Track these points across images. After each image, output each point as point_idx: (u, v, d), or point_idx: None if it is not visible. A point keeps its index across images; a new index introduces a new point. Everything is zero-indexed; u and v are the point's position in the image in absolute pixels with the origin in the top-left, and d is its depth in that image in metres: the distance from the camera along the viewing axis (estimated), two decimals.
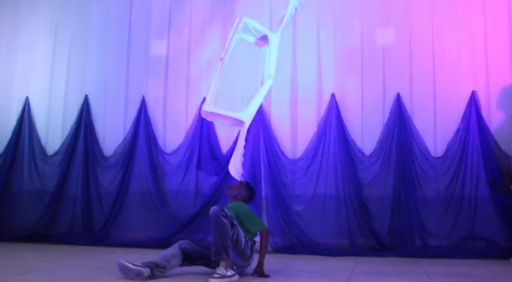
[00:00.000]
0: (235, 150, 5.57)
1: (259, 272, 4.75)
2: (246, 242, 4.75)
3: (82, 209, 7.72)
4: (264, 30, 5.99)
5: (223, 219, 4.49)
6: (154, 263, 4.57)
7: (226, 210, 4.56)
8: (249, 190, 5.33)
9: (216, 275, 4.37)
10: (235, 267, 4.54)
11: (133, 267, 4.44)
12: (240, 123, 5.50)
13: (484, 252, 6.42)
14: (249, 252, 4.79)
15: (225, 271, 4.40)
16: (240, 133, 5.58)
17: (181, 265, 4.81)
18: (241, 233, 4.69)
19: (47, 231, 7.74)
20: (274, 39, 5.96)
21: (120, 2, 8.18)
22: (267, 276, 4.73)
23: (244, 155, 5.76)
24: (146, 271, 4.43)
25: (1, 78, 8.55)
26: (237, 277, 4.48)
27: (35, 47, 8.46)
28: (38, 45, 8.45)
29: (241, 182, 5.41)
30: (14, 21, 8.59)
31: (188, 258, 4.83)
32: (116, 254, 6.55)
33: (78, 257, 6.29)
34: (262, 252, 4.83)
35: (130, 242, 7.27)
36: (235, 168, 5.46)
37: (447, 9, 7.14)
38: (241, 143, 5.54)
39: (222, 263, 4.45)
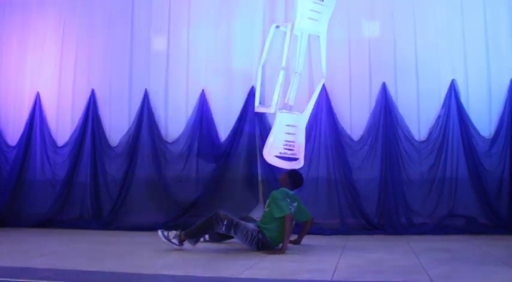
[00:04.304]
0: (268, 139, 5.88)
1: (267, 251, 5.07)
2: (252, 236, 5.12)
3: (91, 195, 7.74)
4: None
5: (213, 221, 5.14)
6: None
7: (225, 216, 5.13)
8: (290, 178, 5.58)
9: (165, 234, 5.27)
10: (183, 242, 5.25)
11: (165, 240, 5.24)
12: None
13: (464, 228, 6.47)
14: (254, 245, 5.15)
15: (171, 237, 5.24)
16: (275, 123, 5.88)
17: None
18: (244, 230, 5.13)
19: (59, 217, 7.75)
20: (289, 28, 5.96)
21: (122, 0, 8.11)
22: (269, 252, 5.02)
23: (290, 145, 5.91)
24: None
25: (13, 75, 8.47)
26: (176, 247, 5.22)
27: (44, 45, 8.38)
28: (46, 43, 8.38)
29: (286, 171, 5.69)
30: (23, 21, 8.49)
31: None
32: (122, 237, 6.58)
33: (89, 240, 6.32)
34: (283, 238, 5.08)
35: (136, 225, 7.30)
36: (267, 156, 5.79)
37: (427, 4, 7.10)
38: (273, 132, 5.84)
39: (180, 234, 5.25)
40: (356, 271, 4.08)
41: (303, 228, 5.72)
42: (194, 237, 5.26)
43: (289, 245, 5.28)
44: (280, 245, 5.16)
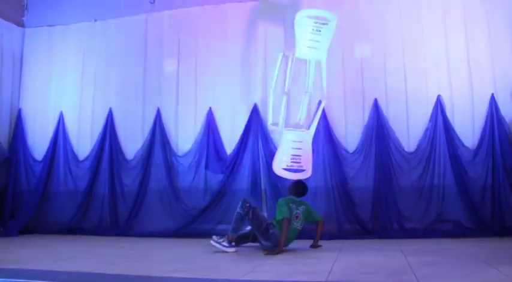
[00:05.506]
0: (276, 154, 6.04)
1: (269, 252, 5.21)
2: (267, 224, 5.39)
3: (109, 205, 7.76)
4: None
5: (239, 209, 5.45)
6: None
7: (246, 203, 5.44)
8: (295, 187, 5.81)
9: (215, 239, 5.46)
10: (233, 243, 5.46)
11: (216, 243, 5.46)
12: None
13: (451, 232, 6.42)
14: (264, 234, 5.38)
15: (221, 242, 5.43)
16: (282, 140, 6.07)
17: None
18: (260, 217, 5.45)
19: (80, 225, 7.80)
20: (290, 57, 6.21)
21: (136, 27, 8.21)
22: (268, 253, 5.18)
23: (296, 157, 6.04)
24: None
25: (40, 97, 8.60)
26: (231, 249, 5.41)
27: (66, 69, 8.52)
28: (69, 68, 8.51)
29: (293, 181, 5.90)
30: (49, 50, 8.66)
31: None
32: (137, 243, 6.58)
33: (106, 246, 6.34)
34: (280, 236, 5.27)
35: (150, 232, 7.31)
36: (276, 168, 5.95)
37: (415, 26, 7.11)
38: (281, 148, 6.01)
39: (227, 236, 5.46)
40: (349, 272, 4.08)
41: (316, 231, 5.79)
42: (237, 229, 5.51)
43: (292, 247, 5.42)
44: (290, 245, 5.41)
